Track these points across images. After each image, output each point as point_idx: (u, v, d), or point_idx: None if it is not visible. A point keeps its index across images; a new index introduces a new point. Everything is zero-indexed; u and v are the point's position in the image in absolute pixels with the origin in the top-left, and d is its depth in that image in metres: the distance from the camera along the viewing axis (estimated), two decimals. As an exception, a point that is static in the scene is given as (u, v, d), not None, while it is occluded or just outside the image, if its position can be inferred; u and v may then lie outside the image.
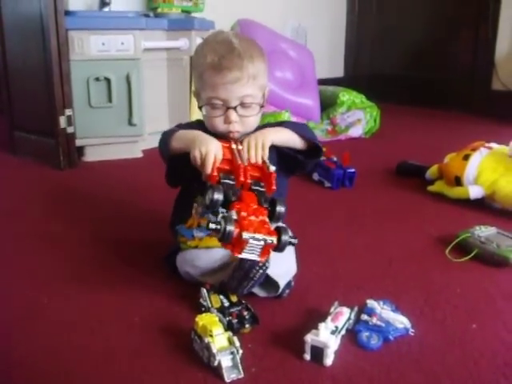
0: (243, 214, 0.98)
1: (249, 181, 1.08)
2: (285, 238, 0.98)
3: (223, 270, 1.20)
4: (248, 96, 1.23)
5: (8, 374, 0.98)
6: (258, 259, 0.98)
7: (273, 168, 1.11)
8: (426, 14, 4.00)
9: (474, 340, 1.08)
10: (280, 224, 1.04)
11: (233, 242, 0.97)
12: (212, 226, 0.96)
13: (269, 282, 1.17)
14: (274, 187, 1.08)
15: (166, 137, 1.25)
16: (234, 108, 1.22)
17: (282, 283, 1.18)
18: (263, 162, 1.15)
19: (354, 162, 2.14)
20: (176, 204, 1.39)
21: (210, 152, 1.12)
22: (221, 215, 0.99)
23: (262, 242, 0.96)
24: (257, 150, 1.16)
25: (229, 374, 0.94)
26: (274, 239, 0.97)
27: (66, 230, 1.66)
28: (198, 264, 1.23)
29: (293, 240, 1.00)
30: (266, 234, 0.96)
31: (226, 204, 1.03)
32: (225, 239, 0.96)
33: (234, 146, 1.17)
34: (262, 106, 1.27)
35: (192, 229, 1.27)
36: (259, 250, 0.97)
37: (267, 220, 1.00)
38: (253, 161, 1.14)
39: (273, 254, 1.14)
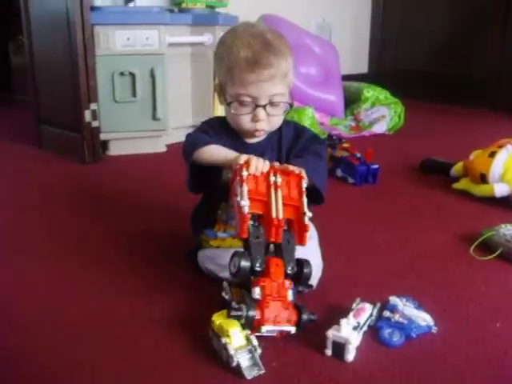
0: (267, 295, 0.98)
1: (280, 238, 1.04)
2: (304, 317, 0.98)
3: None
4: (278, 95, 1.19)
5: (32, 361, 0.99)
6: (275, 335, 1.00)
7: (309, 215, 1.05)
8: (453, 9, 3.94)
9: (498, 339, 1.06)
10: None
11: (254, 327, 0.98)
12: (234, 313, 0.97)
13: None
14: (306, 243, 1.05)
15: (195, 145, 1.21)
16: (264, 106, 1.19)
17: (314, 282, 1.20)
18: (301, 207, 1.06)
19: (378, 158, 2.12)
20: (198, 208, 1.38)
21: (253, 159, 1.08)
22: (238, 303, 0.99)
23: (280, 331, 0.98)
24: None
25: (249, 372, 0.94)
26: (293, 329, 0.98)
27: (90, 223, 1.67)
28: (219, 262, 1.23)
29: (312, 317, 1.00)
30: (284, 324, 0.97)
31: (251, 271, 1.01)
32: (247, 326, 0.97)
33: (272, 179, 1.05)
34: (291, 106, 1.24)
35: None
36: (277, 333, 0.99)
37: (289, 297, 0.99)
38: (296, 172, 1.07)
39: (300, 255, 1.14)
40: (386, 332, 1.04)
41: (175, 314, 1.14)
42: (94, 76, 2.33)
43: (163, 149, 2.57)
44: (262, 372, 0.95)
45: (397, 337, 1.03)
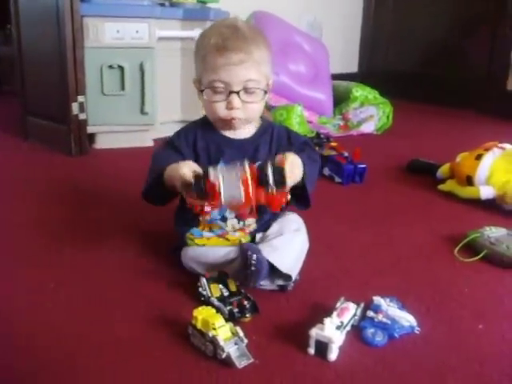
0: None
1: None
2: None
3: (226, 266, 1.21)
4: (252, 81, 1.18)
5: (12, 360, 0.98)
6: (242, 195, 1.01)
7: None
8: (443, 11, 3.95)
9: (480, 340, 1.07)
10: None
11: (208, 191, 1.02)
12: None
13: (280, 275, 1.18)
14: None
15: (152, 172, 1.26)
16: (237, 93, 1.18)
17: (294, 273, 1.19)
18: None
19: (365, 158, 2.12)
20: (178, 209, 1.37)
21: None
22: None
23: (234, 174, 1.02)
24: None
25: (239, 362, 0.94)
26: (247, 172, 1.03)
27: (72, 215, 1.66)
28: (202, 261, 1.24)
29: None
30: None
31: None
32: (196, 188, 1.03)
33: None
34: (265, 93, 1.23)
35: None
36: (239, 185, 1.02)
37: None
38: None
39: (278, 248, 1.14)
40: (369, 332, 1.05)
41: (156, 309, 1.13)
42: (82, 68, 2.31)
43: (150, 143, 2.56)
44: (251, 361, 0.95)
45: (380, 337, 1.04)
